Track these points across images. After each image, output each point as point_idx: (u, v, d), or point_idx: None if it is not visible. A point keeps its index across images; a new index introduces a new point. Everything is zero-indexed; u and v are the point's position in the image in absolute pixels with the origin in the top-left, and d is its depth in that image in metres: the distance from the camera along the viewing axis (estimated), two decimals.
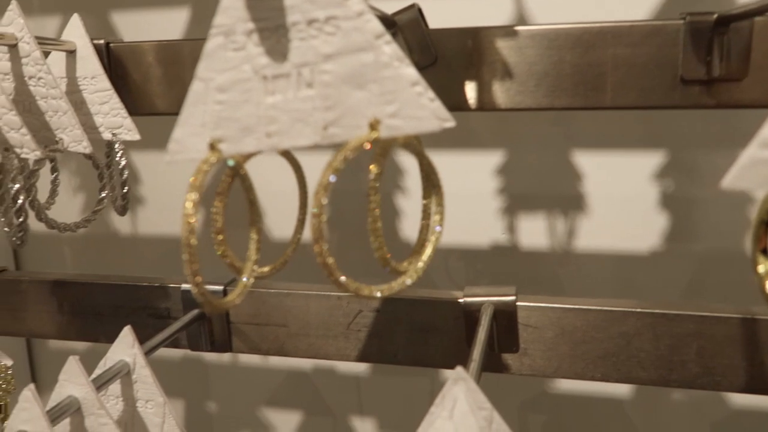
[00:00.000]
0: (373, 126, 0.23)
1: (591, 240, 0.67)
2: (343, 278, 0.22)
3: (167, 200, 0.77)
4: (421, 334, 0.41)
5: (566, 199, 0.67)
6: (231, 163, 0.26)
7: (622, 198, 0.65)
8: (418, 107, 0.23)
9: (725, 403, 0.65)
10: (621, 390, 0.67)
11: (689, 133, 0.61)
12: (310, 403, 0.80)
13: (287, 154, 0.32)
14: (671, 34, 0.35)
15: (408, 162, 0.69)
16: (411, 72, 0.24)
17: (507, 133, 0.66)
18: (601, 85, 0.36)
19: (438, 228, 0.24)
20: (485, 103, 0.37)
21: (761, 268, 0.19)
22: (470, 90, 0.37)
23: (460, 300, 0.40)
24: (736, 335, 0.35)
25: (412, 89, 0.23)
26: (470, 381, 0.24)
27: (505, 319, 0.39)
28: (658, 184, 0.65)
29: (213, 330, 0.46)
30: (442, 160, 0.69)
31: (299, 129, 0.24)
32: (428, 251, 0.24)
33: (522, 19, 0.51)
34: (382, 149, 0.24)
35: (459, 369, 0.24)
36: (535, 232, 0.69)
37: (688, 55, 0.35)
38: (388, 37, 0.24)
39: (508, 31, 0.36)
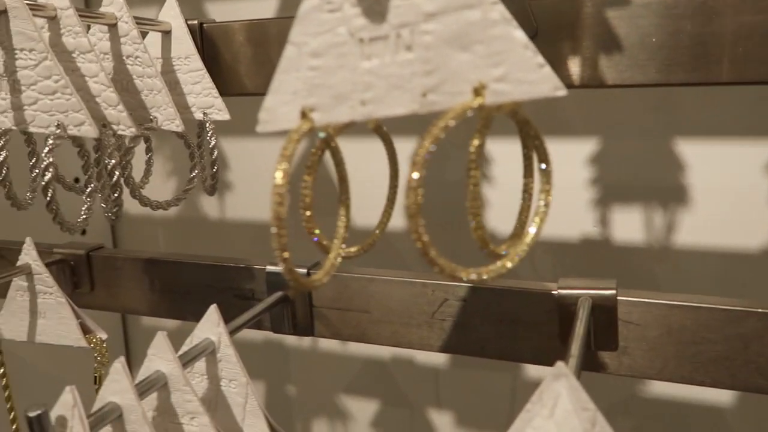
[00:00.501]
0: (478, 91, 0.21)
1: (693, 235, 0.63)
2: (438, 257, 0.20)
3: (256, 185, 0.79)
4: (510, 327, 0.38)
5: (666, 190, 0.63)
6: (322, 135, 0.25)
7: (729, 191, 0.60)
8: (529, 70, 0.21)
9: None
10: (722, 397, 0.62)
11: None
12: (387, 393, 0.79)
13: (379, 129, 0.30)
14: None
15: (494, 150, 0.66)
16: (521, 34, 0.21)
17: (603, 119, 0.63)
18: (723, 58, 0.32)
19: (544, 206, 0.22)
20: (590, 79, 0.35)
21: None
22: (574, 65, 0.35)
23: (554, 292, 0.37)
24: None
25: (524, 51, 0.21)
26: (572, 378, 0.22)
27: (604, 314, 0.36)
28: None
29: (296, 313, 0.45)
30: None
31: (396, 96, 0.23)
32: (532, 233, 0.22)
33: None
34: (485, 119, 0.22)
35: (560, 364, 0.22)
36: (629, 225, 0.65)
37: None
38: None
39: (618, 0, 0.33)
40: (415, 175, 0.20)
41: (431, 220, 0.75)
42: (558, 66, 0.35)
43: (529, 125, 0.23)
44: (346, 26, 0.23)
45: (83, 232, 0.77)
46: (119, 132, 0.39)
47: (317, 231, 0.26)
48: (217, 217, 0.83)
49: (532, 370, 0.71)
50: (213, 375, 0.37)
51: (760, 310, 0.33)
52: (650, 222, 0.65)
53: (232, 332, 0.38)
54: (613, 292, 0.36)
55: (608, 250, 0.66)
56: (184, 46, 0.49)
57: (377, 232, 0.31)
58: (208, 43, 0.52)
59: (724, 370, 0.34)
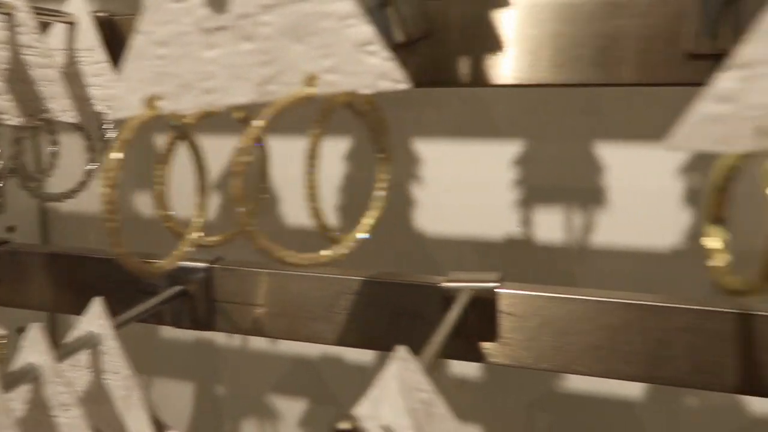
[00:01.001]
0: (309, 81, 0.22)
1: (609, 236, 0.65)
2: (262, 240, 0.20)
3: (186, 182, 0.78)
4: (405, 320, 0.39)
5: (585, 192, 0.64)
6: (174, 123, 0.25)
7: (644, 193, 0.63)
8: (357, 63, 0.22)
9: (745, 410, 0.62)
10: (634, 392, 0.65)
11: None
12: (316, 391, 0.79)
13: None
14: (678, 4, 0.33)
15: (423, 150, 0.67)
16: (360, 29, 0.22)
17: (529, 122, 0.64)
18: (626, 59, 0.33)
19: (380, 196, 0.23)
20: (481, 79, 0.36)
21: (713, 242, 0.16)
22: (465, 64, 0.36)
23: (441, 285, 0.38)
24: (730, 331, 0.32)
25: (356, 44, 0.22)
26: (411, 361, 0.22)
27: (484, 306, 0.37)
28: (684, 180, 0.62)
29: (196, 307, 0.45)
30: (458, 149, 0.67)
31: (237, 86, 0.23)
32: (367, 221, 0.23)
33: None
34: (324, 110, 0.23)
35: (400, 348, 0.23)
36: (552, 225, 0.66)
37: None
38: None
39: (505, 2, 0.34)
40: (240, 161, 0.21)
41: (353, 216, 0.74)
42: (451, 64, 0.36)
43: (369, 116, 0.24)
44: (191, 16, 0.24)
45: (11, 229, 0.75)
46: (5, 122, 0.39)
47: (172, 221, 0.26)
48: (149, 214, 0.82)
49: (455, 364, 0.72)
50: (96, 368, 0.37)
51: (625, 302, 0.35)
52: (570, 222, 0.67)
53: (120, 325, 0.38)
54: (493, 284, 0.37)
55: (531, 249, 0.68)
56: (88, 37, 0.48)
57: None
58: (118, 35, 0.52)
59: (594, 358, 0.35)
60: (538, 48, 0.35)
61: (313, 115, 0.24)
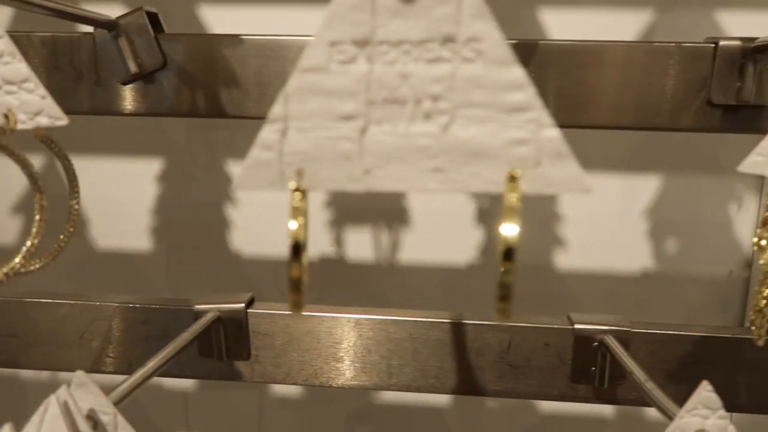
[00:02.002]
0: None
1: (414, 253, 0.69)
2: None
3: None
4: (158, 343, 0.40)
5: (391, 212, 0.68)
6: None
7: (442, 212, 0.67)
8: (24, 100, 0.23)
9: (534, 409, 0.68)
10: (441, 401, 0.69)
11: None
12: (136, 419, 0.76)
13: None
14: None
15: (237, 172, 0.68)
16: (15, 67, 0.23)
17: None
18: None
19: (73, 214, 0.24)
20: (214, 111, 0.38)
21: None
22: (200, 96, 0.38)
23: (193, 308, 0.39)
24: (446, 339, 0.36)
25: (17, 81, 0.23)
26: (90, 385, 0.24)
27: (235, 326, 0.39)
28: (475, 201, 0.67)
29: None
30: None
31: None
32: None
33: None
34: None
35: (79, 373, 0.24)
36: (361, 244, 0.69)
37: None
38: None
39: (234, 40, 0.37)
40: None
41: (176, 240, 0.74)
42: (187, 96, 0.38)
43: (52, 143, 0.24)
44: None
45: None
46: None
47: None
48: None
49: (277, 389, 0.73)
50: None
51: (353, 316, 0.38)
52: (378, 241, 0.71)
53: None
54: (242, 305, 0.39)
55: (344, 268, 0.71)
56: None
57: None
58: None
59: (335, 370, 0.38)
60: (264, 85, 0.37)
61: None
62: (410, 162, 0.17)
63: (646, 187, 0.63)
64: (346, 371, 0.38)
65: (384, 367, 0.38)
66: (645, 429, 0.67)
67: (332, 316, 0.38)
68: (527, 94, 0.16)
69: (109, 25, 0.35)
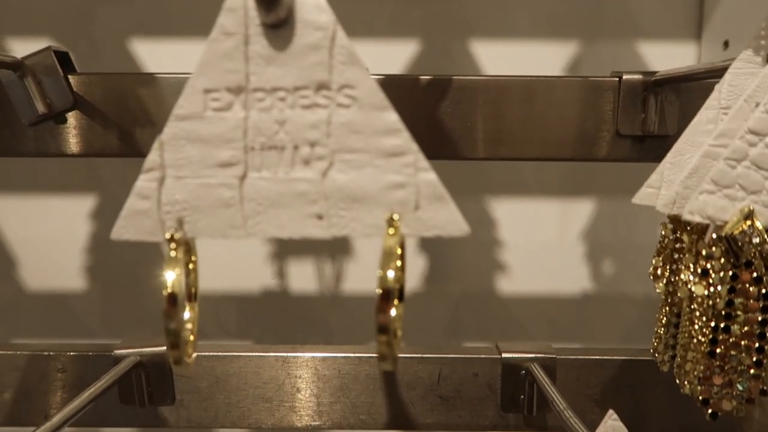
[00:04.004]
0: None
1: (357, 283, 0.69)
2: None
3: None
4: (77, 392, 0.38)
5: (333, 243, 0.68)
6: None
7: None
8: None
9: None
10: None
11: (443, 180, 0.64)
12: None
13: None
14: None
15: None
16: None
17: None
18: None
19: None
20: (129, 150, 0.37)
21: None
22: (114, 135, 0.37)
23: (113, 353, 0.38)
24: (376, 374, 0.36)
25: None
26: None
27: (157, 370, 0.37)
28: None
29: None
30: None
31: None
32: None
33: None
34: None
35: None
36: (304, 277, 0.69)
37: None
38: None
39: (148, 78, 0.36)
40: None
41: (110, 278, 0.71)
42: (99, 135, 0.37)
43: None
44: None
45: None
46: None
47: None
48: None
49: None
50: None
51: (276, 355, 0.37)
52: (321, 273, 0.70)
53: None
54: (164, 348, 0.38)
55: (288, 301, 0.70)
56: None
57: None
58: None
59: (265, 410, 0.37)
60: None
61: None
62: (291, 207, 0.17)
63: (580, 211, 0.65)
64: (275, 411, 0.38)
65: (314, 405, 0.37)
66: None
67: (259, 356, 0.37)
68: (403, 138, 0.16)
69: (14, 66, 0.34)
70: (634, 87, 0.34)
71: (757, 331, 0.22)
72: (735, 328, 0.22)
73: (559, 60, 0.56)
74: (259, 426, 0.38)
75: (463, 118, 0.35)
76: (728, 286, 0.21)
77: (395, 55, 0.58)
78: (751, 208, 0.19)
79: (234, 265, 0.70)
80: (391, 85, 0.35)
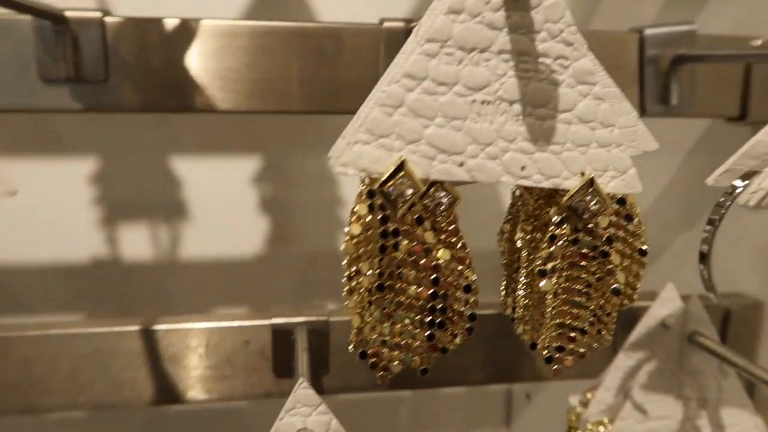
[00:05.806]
0: None
1: (196, 248, 0.65)
2: None
3: None
4: None
5: (167, 206, 0.64)
6: None
7: (223, 203, 0.64)
8: None
9: None
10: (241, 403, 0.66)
11: (284, 137, 0.61)
12: None
13: None
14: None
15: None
16: None
17: (101, 138, 0.61)
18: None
19: None
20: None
21: None
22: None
23: None
24: (138, 348, 0.34)
25: None
26: None
27: None
28: (257, 188, 0.65)
29: None
30: (24, 167, 0.62)
31: None
32: None
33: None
34: None
35: None
36: (138, 243, 0.64)
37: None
38: None
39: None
40: None
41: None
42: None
43: None
44: None
45: None
46: None
47: None
48: None
49: None
50: None
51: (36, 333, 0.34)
52: (156, 238, 0.66)
53: None
54: None
55: (120, 269, 0.65)
56: None
57: None
58: None
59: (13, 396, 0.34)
60: None
61: None
62: None
63: None
64: (28, 395, 0.34)
65: (74, 384, 0.35)
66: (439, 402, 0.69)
67: (21, 335, 0.34)
68: None
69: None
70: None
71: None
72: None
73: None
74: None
75: None
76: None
77: None
78: (403, 159, 0.18)
79: (59, 231, 0.65)
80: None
